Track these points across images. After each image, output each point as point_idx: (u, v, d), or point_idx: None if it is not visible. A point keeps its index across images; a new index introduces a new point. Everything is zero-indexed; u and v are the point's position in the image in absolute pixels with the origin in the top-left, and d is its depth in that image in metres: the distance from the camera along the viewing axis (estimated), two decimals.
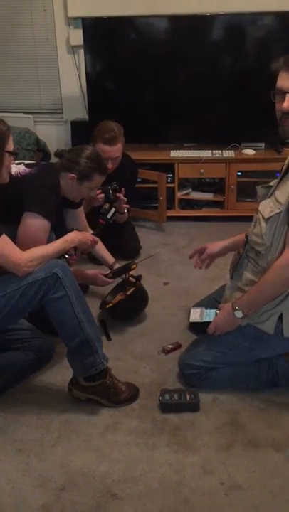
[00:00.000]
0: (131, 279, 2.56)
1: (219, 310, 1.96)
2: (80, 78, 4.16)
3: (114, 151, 2.86)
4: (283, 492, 1.56)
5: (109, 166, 2.80)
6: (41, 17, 4.12)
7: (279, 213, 1.75)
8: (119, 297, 2.53)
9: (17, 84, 4.37)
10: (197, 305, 2.27)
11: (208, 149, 3.77)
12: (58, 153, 2.31)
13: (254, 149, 3.80)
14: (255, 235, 1.85)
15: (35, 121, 4.30)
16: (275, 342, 1.89)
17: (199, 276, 2.96)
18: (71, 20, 4.03)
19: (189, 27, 3.65)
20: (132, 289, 2.49)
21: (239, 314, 1.83)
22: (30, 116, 4.28)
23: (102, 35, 3.70)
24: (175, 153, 3.75)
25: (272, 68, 1.70)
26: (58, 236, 2.06)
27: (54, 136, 4.38)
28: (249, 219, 1.96)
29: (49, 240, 2.06)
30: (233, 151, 3.76)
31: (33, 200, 2.06)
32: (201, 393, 1.93)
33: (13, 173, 2.07)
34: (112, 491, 1.58)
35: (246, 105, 3.69)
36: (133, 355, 2.24)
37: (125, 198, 2.86)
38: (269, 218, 1.77)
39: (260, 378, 1.98)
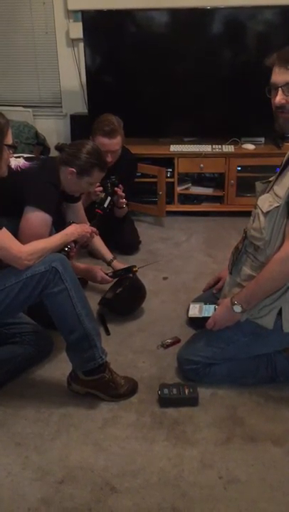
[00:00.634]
0: (121, 266, 2.57)
1: (218, 305, 1.96)
2: (79, 72, 4.14)
3: (113, 144, 2.85)
4: (282, 486, 1.57)
5: (109, 159, 2.79)
6: (41, 10, 4.10)
7: (278, 207, 1.74)
8: (117, 292, 2.53)
9: (16, 78, 4.35)
10: (196, 300, 2.27)
11: (208, 144, 3.76)
12: (59, 147, 2.30)
13: (254, 144, 3.79)
14: (254, 229, 1.85)
15: (34, 115, 4.29)
16: (274, 338, 1.89)
17: (198, 270, 2.97)
18: (71, 13, 4.01)
19: (189, 21, 3.63)
20: (128, 282, 2.48)
21: (238, 309, 1.83)
22: (30, 109, 4.27)
23: (102, 29, 3.68)
24: (175, 148, 3.75)
25: (266, 63, 1.71)
26: (58, 230, 2.06)
27: (53, 129, 4.37)
28: (249, 214, 1.96)
29: (49, 234, 2.06)
30: (232, 146, 3.75)
31: (34, 195, 2.06)
32: (199, 388, 1.93)
33: (12, 166, 2.06)
34: (111, 485, 1.58)
35: (246, 100, 3.67)
36: (132, 350, 2.24)
37: (123, 193, 2.85)
38: (268, 212, 1.77)
39: (259, 374, 1.98)
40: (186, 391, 1.90)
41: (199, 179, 3.92)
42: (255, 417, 1.84)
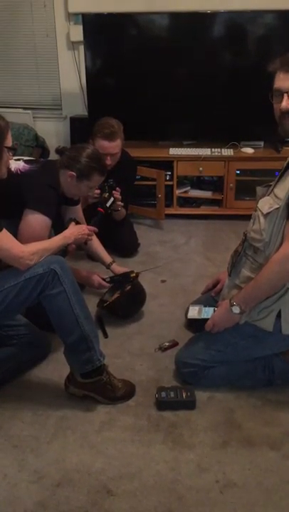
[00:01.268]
0: (123, 270, 2.57)
1: (217, 308, 1.97)
2: (79, 74, 4.15)
3: (113, 146, 2.86)
4: (278, 490, 1.57)
5: (108, 162, 2.80)
6: (41, 12, 4.11)
7: (278, 209, 1.75)
8: (116, 295, 2.54)
9: (16, 80, 4.36)
10: (195, 303, 2.27)
11: (208, 147, 3.77)
12: (59, 150, 2.31)
13: (253, 148, 3.80)
14: (254, 231, 1.85)
15: (34, 117, 4.29)
16: (272, 341, 1.89)
17: (197, 273, 2.97)
18: (71, 16, 4.02)
19: (189, 24, 3.64)
20: (129, 286, 2.49)
21: (236, 310, 1.84)
22: (30, 111, 4.27)
23: (102, 32, 3.69)
24: (174, 151, 3.75)
25: (269, 69, 1.72)
26: (57, 233, 2.07)
27: (53, 132, 4.37)
28: (247, 217, 1.96)
29: (49, 237, 2.06)
30: (232, 150, 3.76)
31: (34, 198, 2.07)
32: (197, 391, 1.93)
33: (12, 169, 2.06)
34: (108, 488, 1.58)
35: (246, 103, 3.68)
36: (130, 353, 2.24)
37: (120, 196, 2.85)
38: (268, 214, 1.77)
39: (257, 377, 1.98)
40: (184, 394, 1.90)
41: (198, 182, 3.93)
42: (252, 421, 1.84)
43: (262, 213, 1.80)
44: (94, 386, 1.89)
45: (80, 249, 2.57)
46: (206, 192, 3.86)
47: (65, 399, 1.94)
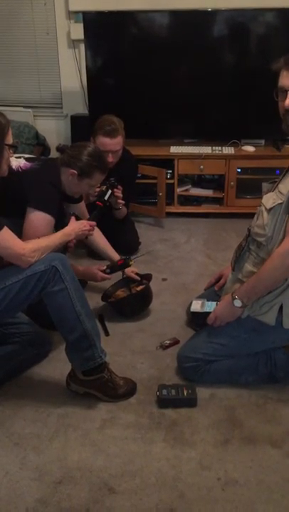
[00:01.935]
0: (136, 276, 2.57)
1: (220, 301, 1.98)
2: (80, 73, 4.14)
3: (114, 143, 2.85)
4: (280, 488, 1.56)
5: (110, 159, 2.80)
6: (42, 11, 4.11)
7: (281, 204, 1.78)
8: (121, 293, 2.55)
9: (17, 78, 4.36)
10: (199, 297, 2.27)
11: (208, 145, 3.77)
12: (60, 149, 2.30)
13: (254, 146, 3.80)
14: (257, 226, 1.88)
15: (34, 116, 4.29)
16: (274, 335, 1.90)
17: (198, 272, 2.97)
18: (72, 14, 4.02)
19: (190, 22, 3.63)
20: (142, 287, 2.53)
21: (238, 303, 1.84)
22: (30, 110, 4.26)
23: (103, 30, 3.69)
24: (175, 149, 3.75)
25: (273, 68, 1.75)
26: (58, 230, 2.06)
27: (54, 130, 4.37)
28: (248, 216, 1.98)
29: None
30: (233, 148, 3.76)
31: (36, 196, 2.07)
32: (198, 389, 1.93)
33: (13, 167, 2.06)
34: (109, 485, 1.58)
35: (247, 102, 3.69)
36: (131, 351, 2.24)
37: (120, 195, 2.85)
38: (271, 209, 1.80)
39: (259, 370, 1.98)
40: (185, 392, 1.90)
41: (199, 181, 3.93)
42: (253, 419, 1.84)
43: (265, 208, 1.83)
44: (95, 384, 1.89)
45: (81, 248, 2.57)
46: (206, 190, 3.86)
47: (66, 396, 1.94)
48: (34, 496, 1.54)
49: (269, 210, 1.81)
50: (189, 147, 3.79)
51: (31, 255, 1.75)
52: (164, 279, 2.89)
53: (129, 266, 2.52)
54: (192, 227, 3.65)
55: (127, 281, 2.59)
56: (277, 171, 3.43)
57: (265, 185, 1.97)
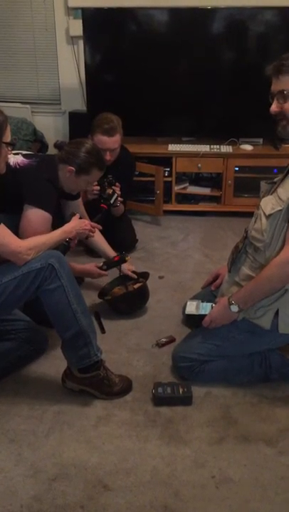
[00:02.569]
0: (133, 274, 2.58)
1: (215, 304, 1.97)
2: (78, 69, 4.13)
3: (112, 142, 2.85)
4: (274, 486, 1.57)
5: (108, 157, 2.80)
6: (41, 7, 4.09)
7: (280, 211, 1.76)
8: (118, 291, 2.55)
9: (15, 74, 4.34)
10: (194, 298, 2.27)
11: (206, 144, 3.76)
12: (58, 145, 2.30)
13: (252, 145, 3.80)
14: (255, 230, 1.86)
15: (32, 112, 4.27)
16: (269, 336, 1.90)
17: (194, 270, 2.97)
18: (71, 11, 4.00)
19: (189, 20, 3.63)
20: (139, 284, 2.53)
21: (235, 308, 1.84)
22: (28, 106, 4.25)
23: (102, 26, 3.68)
24: (173, 147, 3.75)
25: (266, 72, 1.76)
26: (56, 227, 2.06)
27: (52, 127, 4.36)
28: (246, 214, 1.98)
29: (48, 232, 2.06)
30: (231, 146, 3.76)
31: (34, 193, 2.06)
32: (193, 387, 1.94)
33: (11, 163, 2.06)
34: (104, 483, 1.58)
35: (245, 100, 3.68)
36: (127, 348, 2.25)
37: (119, 192, 2.85)
38: (270, 215, 1.78)
39: (253, 371, 1.99)
40: (181, 390, 1.90)
41: (197, 179, 3.93)
42: (248, 417, 1.85)
43: (264, 214, 1.81)
44: (91, 381, 1.89)
45: (78, 246, 2.57)
46: (204, 188, 3.86)
47: (62, 394, 1.94)
48: (29, 493, 1.55)
49: (268, 217, 1.79)
50: (187, 145, 3.79)
51: (27, 253, 1.75)
52: (160, 277, 2.89)
53: (125, 262, 2.53)
54: (189, 226, 3.65)
55: (123, 279, 2.59)
56: (275, 170, 3.44)
57: (263, 185, 1.96)
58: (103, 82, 3.83)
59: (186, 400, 1.90)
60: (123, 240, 3.15)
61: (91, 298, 2.55)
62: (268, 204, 1.81)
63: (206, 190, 3.86)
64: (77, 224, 2.10)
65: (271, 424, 1.82)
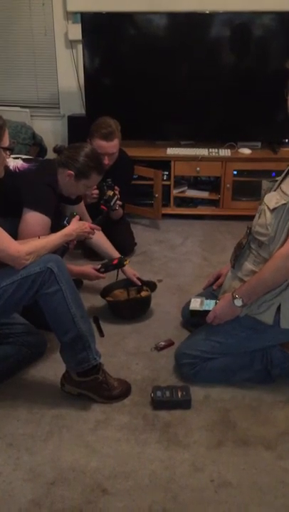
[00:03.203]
0: (137, 281, 2.59)
1: (219, 300, 1.98)
2: (77, 73, 4.14)
3: (111, 146, 2.86)
4: (272, 490, 1.57)
5: (106, 161, 2.80)
6: (40, 11, 4.10)
7: (285, 204, 1.78)
8: (119, 293, 2.56)
9: (14, 78, 4.34)
10: (197, 296, 2.28)
11: (205, 147, 3.77)
12: (57, 149, 2.31)
13: (250, 148, 3.80)
14: (259, 225, 1.88)
15: (31, 116, 4.28)
16: (272, 333, 1.91)
17: (193, 273, 2.98)
18: (70, 15, 4.01)
19: (188, 24, 3.64)
20: (147, 293, 2.54)
21: (239, 303, 1.85)
22: (27, 110, 4.25)
23: (101, 31, 3.69)
24: (172, 151, 3.75)
25: (287, 66, 1.75)
26: (55, 231, 2.06)
27: (50, 130, 4.36)
28: (244, 218, 1.98)
29: None
30: (229, 150, 3.77)
31: (33, 197, 2.07)
32: (192, 390, 1.94)
33: (11, 167, 2.06)
34: (102, 487, 1.58)
35: (244, 104, 3.69)
36: (126, 352, 2.25)
37: (118, 195, 2.86)
38: (275, 209, 1.81)
39: (254, 367, 2.00)
40: (179, 394, 1.90)
41: (195, 182, 3.93)
42: (247, 421, 1.85)
43: (268, 208, 1.83)
44: (90, 385, 1.89)
45: (76, 248, 2.57)
46: (203, 192, 3.87)
47: (60, 397, 1.94)
48: (27, 497, 1.54)
49: (272, 210, 1.81)
50: (186, 149, 3.80)
51: (26, 257, 1.75)
52: (159, 281, 2.88)
53: (123, 265, 2.53)
54: (188, 229, 3.65)
55: (127, 283, 2.59)
56: (273, 174, 3.44)
57: (265, 183, 1.98)
58: (102, 86, 3.84)
59: (185, 404, 1.90)
60: (122, 244, 3.15)
61: (90, 301, 2.55)
62: (272, 199, 1.84)
63: (204, 194, 3.86)
64: (78, 226, 2.10)
65: (270, 428, 1.81)
